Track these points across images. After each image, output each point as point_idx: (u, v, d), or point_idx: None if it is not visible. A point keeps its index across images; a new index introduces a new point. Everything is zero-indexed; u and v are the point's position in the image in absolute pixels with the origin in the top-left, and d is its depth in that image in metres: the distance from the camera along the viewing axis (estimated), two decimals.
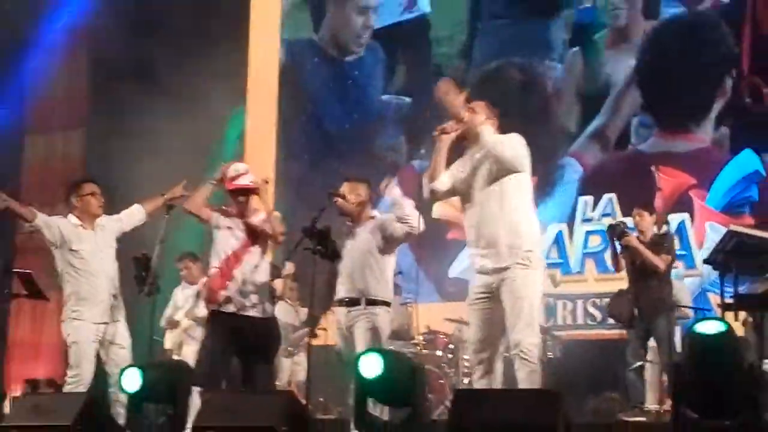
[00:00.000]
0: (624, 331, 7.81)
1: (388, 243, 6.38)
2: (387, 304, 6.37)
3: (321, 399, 8.56)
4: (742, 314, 6.83)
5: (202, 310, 7.70)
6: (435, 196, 5.77)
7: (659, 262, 7.50)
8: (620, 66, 10.06)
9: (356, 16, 11.66)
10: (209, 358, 6.31)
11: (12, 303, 9.22)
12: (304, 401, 5.91)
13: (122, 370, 5.94)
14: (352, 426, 5.46)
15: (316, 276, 6.23)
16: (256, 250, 6.41)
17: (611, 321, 8.15)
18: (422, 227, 6.28)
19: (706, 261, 6.60)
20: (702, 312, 7.91)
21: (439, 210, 9.22)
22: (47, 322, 11.47)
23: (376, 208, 6.63)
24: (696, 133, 9.55)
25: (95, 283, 6.55)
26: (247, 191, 6.45)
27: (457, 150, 5.69)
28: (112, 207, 6.90)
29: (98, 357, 6.56)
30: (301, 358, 8.81)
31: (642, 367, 7.52)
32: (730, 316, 5.95)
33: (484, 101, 5.72)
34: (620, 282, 7.82)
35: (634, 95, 9.90)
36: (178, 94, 10.44)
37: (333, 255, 6.23)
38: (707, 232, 9.22)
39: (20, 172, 12.29)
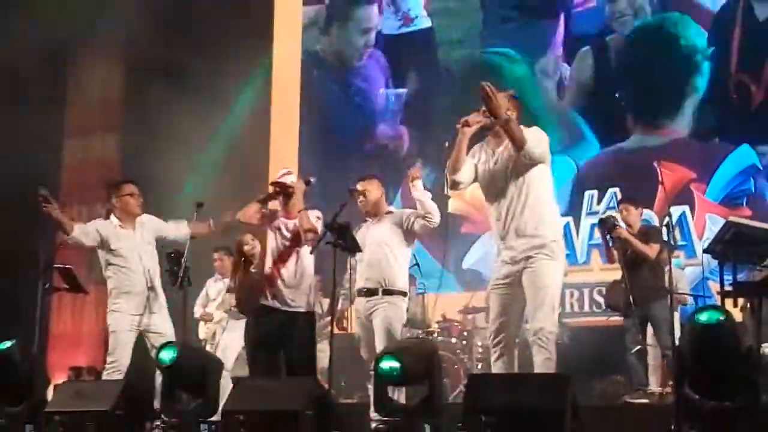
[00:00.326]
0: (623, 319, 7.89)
1: (406, 236, 6.62)
2: (404, 294, 6.61)
3: (343, 383, 8.77)
4: (741, 301, 6.89)
5: (232, 303, 7.81)
6: (456, 187, 5.71)
7: (648, 250, 7.73)
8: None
9: (358, 37, 11.78)
10: (256, 354, 6.45)
11: (53, 296, 9.20)
12: (327, 386, 5.98)
13: (161, 346, 6.07)
14: (371, 409, 5.66)
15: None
16: (301, 248, 6.47)
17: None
18: (439, 220, 6.50)
19: (706, 251, 6.54)
20: (702, 299, 8.03)
21: (453, 205, 9.16)
22: (87, 314, 11.71)
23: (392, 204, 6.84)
24: (669, 127, 9.81)
25: (133, 277, 6.80)
26: (283, 189, 6.52)
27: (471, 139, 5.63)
28: (148, 207, 7.08)
29: (146, 347, 6.81)
30: (324, 345, 9.15)
31: (644, 351, 7.67)
32: (729, 302, 5.85)
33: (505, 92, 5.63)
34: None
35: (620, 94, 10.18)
36: (211, 97, 10.67)
37: (353, 248, 6.41)
38: (707, 224, 9.40)
39: (59, 173, 12.42)
